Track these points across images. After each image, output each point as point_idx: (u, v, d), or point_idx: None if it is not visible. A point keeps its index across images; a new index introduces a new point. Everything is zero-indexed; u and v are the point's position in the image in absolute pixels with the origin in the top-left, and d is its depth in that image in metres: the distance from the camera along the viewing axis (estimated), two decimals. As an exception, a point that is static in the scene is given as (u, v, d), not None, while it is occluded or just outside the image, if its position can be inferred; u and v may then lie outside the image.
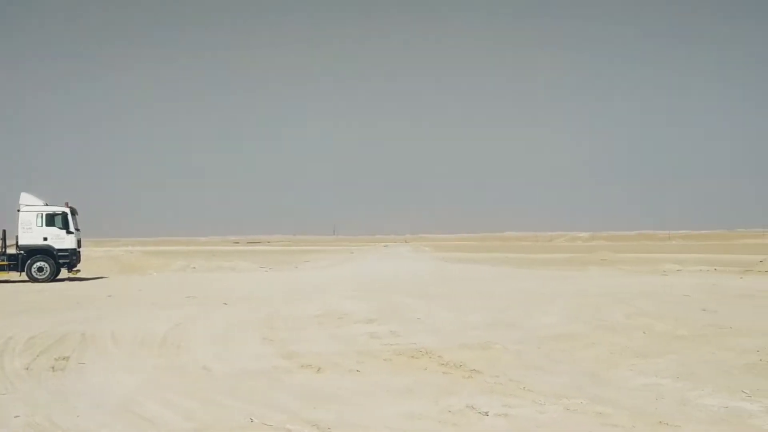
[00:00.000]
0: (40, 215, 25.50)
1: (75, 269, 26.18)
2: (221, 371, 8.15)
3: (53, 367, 8.37)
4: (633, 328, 11.28)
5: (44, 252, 25.32)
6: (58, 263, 25.48)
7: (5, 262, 25.19)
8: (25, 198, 25.64)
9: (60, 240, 25.50)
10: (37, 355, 9.10)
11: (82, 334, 10.80)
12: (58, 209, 25.76)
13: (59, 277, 25.77)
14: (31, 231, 25.31)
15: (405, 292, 18.61)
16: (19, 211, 25.41)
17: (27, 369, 8.26)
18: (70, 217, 25.72)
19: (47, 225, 25.47)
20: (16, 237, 25.41)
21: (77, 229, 26.11)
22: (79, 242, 26.36)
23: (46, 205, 25.87)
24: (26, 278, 25.08)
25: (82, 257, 27.21)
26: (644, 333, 10.81)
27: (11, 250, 25.47)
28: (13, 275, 25.22)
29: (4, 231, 25.70)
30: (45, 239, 25.36)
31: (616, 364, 8.41)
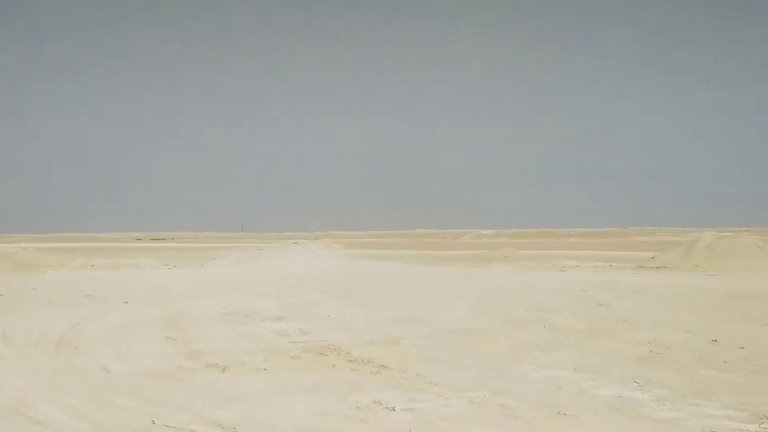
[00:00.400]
0: None
1: (-39, 267, 24.65)
2: (121, 372, 7.87)
3: (-64, 371, 7.85)
4: (534, 323, 11.68)
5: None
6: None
7: None
8: None
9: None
10: None
11: (-31, 336, 10.17)
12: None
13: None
14: None
15: (314, 289, 18.52)
16: None
17: None
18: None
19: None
20: None
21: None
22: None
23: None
24: None
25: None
26: (544, 327, 11.22)
27: None
28: None
29: None
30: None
31: (518, 358, 8.69)
